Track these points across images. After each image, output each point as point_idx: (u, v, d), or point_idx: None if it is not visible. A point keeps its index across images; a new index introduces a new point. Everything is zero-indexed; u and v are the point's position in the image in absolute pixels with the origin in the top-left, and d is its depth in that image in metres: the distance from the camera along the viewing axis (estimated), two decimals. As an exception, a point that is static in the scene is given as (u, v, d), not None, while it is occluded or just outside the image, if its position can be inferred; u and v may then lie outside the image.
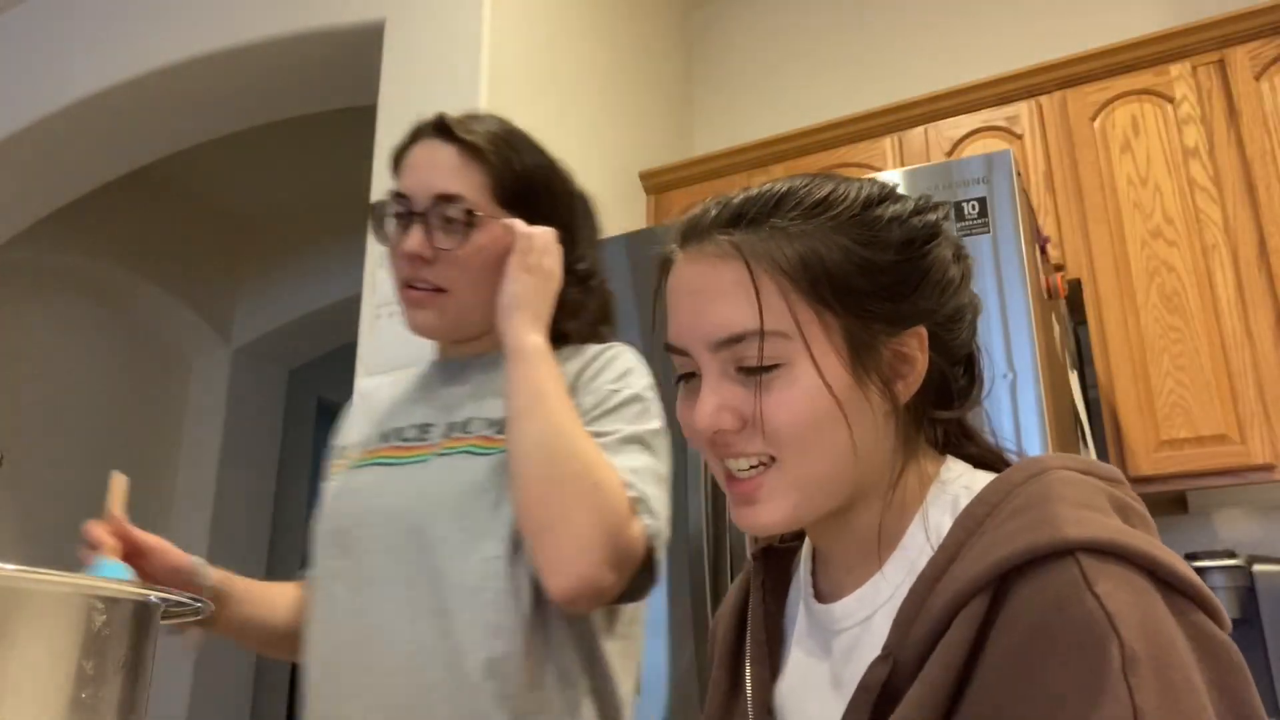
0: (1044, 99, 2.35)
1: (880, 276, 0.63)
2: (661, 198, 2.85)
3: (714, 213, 0.66)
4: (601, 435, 0.96)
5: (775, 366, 0.62)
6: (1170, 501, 2.21)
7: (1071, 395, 1.93)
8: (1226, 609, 2.12)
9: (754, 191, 0.66)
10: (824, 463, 0.62)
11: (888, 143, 2.50)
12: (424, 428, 1.04)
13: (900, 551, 0.65)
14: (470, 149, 1.03)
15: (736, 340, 0.62)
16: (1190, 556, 2.02)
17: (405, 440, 1.04)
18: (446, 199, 1.01)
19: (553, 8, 2.52)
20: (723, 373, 0.64)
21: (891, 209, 0.65)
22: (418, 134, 1.07)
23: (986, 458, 0.70)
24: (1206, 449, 1.98)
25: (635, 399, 1.02)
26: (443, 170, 1.02)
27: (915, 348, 0.64)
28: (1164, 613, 0.52)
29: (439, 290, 1.02)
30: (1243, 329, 2.02)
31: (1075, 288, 2.19)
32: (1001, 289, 1.61)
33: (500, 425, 0.98)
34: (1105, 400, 2.11)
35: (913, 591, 0.59)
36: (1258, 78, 2.15)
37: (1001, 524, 0.56)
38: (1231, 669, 0.52)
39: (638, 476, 0.96)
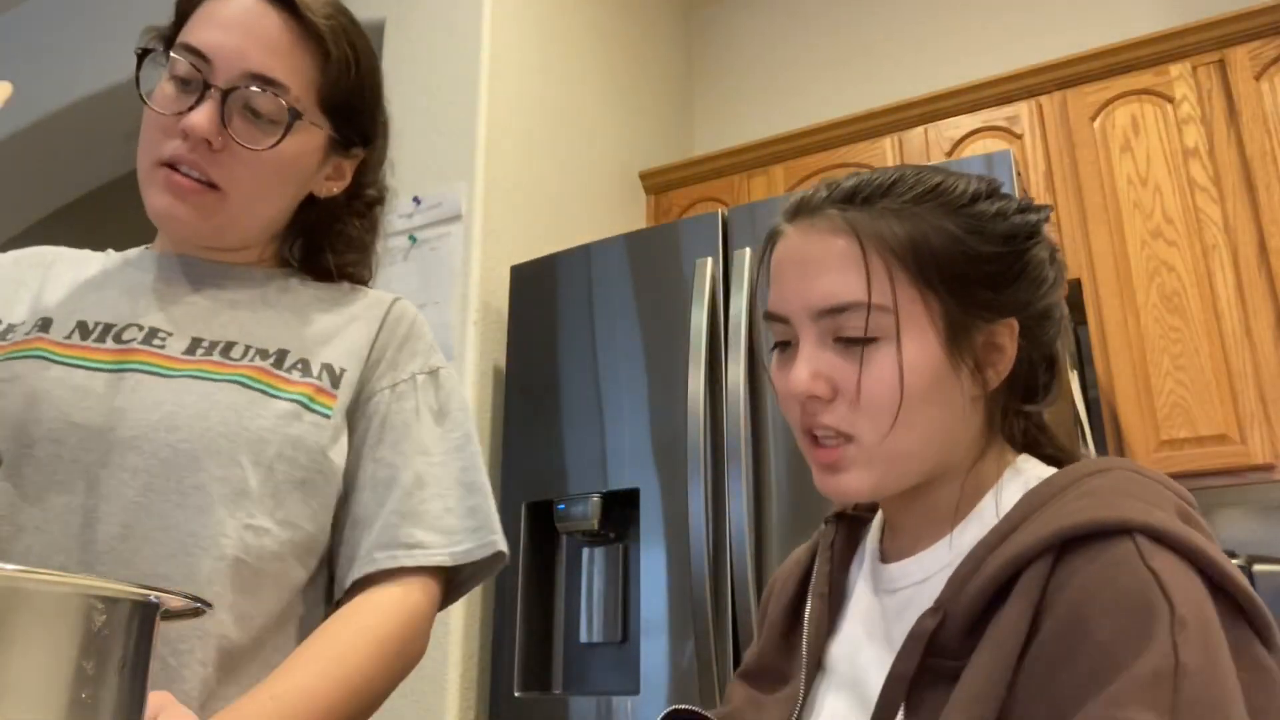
0: (1044, 99, 2.35)
1: (983, 265, 0.66)
2: (661, 198, 2.85)
3: (825, 192, 0.69)
4: (448, 460, 0.87)
5: (874, 340, 0.64)
6: (1170, 501, 2.21)
7: (1071, 395, 1.93)
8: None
9: (865, 175, 0.69)
10: (912, 439, 0.64)
11: (888, 143, 2.50)
12: (154, 334, 0.83)
13: (967, 524, 0.67)
14: (308, 29, 0.82)
15: (840, 310, 0.64)
16: (1190, 556, 2.01)
17: (123, 343, 0.81)
18: (263, 82, 0.80)
19: (552, 8, 2.52)
20: (820, 341, 0.66)
21: (997, 205, 0.68)
22: None
23: (1061, 458, 0.72)
24: (1206, 449, 1.98)
25: (451, 374, 0.92)
26: (266, 44, 0.80)
27: (1007, 338, 0.67)
28: (1211, 608, 0.53)
29: (211, 186, 0.81)
30: (1243, 329, 2.02)
31: (1075, 288, 2.19)
32: (1001, 289, 1.61)
33: (278, 357, 0.84)
34: (1105, 400, 2.11)
35: (970, 555, 0.61)
36: (1258, 78, 2.15)
37: (1065, 504, 0.59)
38: (1270, 686, 0.53)
39: (473, 517, 0.86)
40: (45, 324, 0.82)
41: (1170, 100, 2.21)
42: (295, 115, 0.82)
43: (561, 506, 1.86)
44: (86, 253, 0.93)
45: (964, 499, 0.68)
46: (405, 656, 0.80)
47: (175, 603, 0.44)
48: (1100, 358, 2.13)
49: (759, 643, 0.79)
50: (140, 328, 0.83)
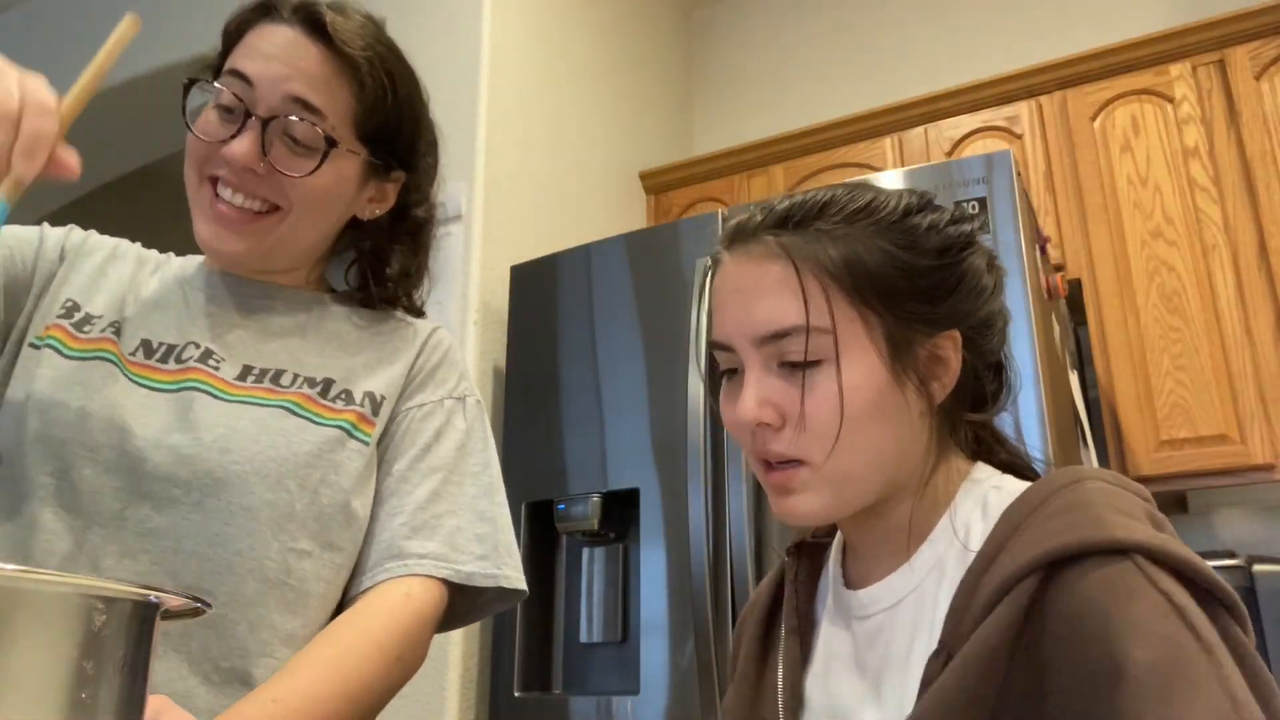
0: (1044, 99, 2.35)
1: (919, 279, 0.66)
2: (661, 198, 2.85)
3: (760, 217, 0.69)
4: (463, 481, 0.89)
5: (818, 363, 0.64)
6: (1170, 501, 2.21)
7: (1071, 395, 1.93)
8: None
9: (798, 198, 0.69)
10: (862, 459, 0.64)
11: (888, 143, 2.50)
12: (209, 355, 0.86)
13: (928, 545, 0.67)
14: (345, 61, 0.84)
15: (782, 335, 0.65)
16: (1190, 556, 2.01)
17: (181, 362, 0.85)
18: (301, 110, 0.83)
19: (553, 8, 2.52)
20: (765, 367, 0.66)
21: (929, 218, 0.68)
22: (272, 9, 0.86)
23: (1015, 463, 0.72)
24: (1206, 449, 1.98)
25: (479, 405, 0.95)
26: (305, 74, 0.83)
27: (950, 350, 0.67)
28: (1206, 618, 0.54)
29: (270, 210, 0.84)
30: (1243, 329, 2.02)
31: (1075, 288, 2.19)
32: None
33: (324, 386, 0.87)
34: (1105, 400, 2.11)
35: (962, 585, 0.61)
36: (1258, 78, 2.15)
37: (1047, 520, 0.58)
38: (1260, 676, 0.54)
39: (482, 544, 0.87)
40: (117, 330, 0.86)
41: (1170, 100, 2.21)
42: (331, 143, 0.84)
43: (561, 506, 1.86)
44: (153, 255, 0.96)
45: (920, 518, 0.67)
46: (405, 662, 0.80)
47: (175, 602, 0.44)
48: (1100, 358, 2.13)
49: (735, 688, 0.78)
50: (197, 345, 0.86)
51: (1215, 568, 2.00)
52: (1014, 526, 0.60)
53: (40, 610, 0.37)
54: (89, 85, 0.72)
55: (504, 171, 2.21)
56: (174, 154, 3.15)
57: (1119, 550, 0.55)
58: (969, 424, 0.71)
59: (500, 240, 2.16)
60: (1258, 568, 1.97)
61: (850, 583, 0.72)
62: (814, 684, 0.71)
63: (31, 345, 0.84)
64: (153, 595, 0.42)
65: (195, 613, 0.46)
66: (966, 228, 0.69)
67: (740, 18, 3.29)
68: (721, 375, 0.71)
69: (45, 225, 0.93)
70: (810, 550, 0.79)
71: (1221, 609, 0.55)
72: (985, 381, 0.71)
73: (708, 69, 3.31)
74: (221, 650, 0.77)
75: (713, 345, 0.70)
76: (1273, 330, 2.00)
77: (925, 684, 0.60)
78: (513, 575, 0.88)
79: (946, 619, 0.61)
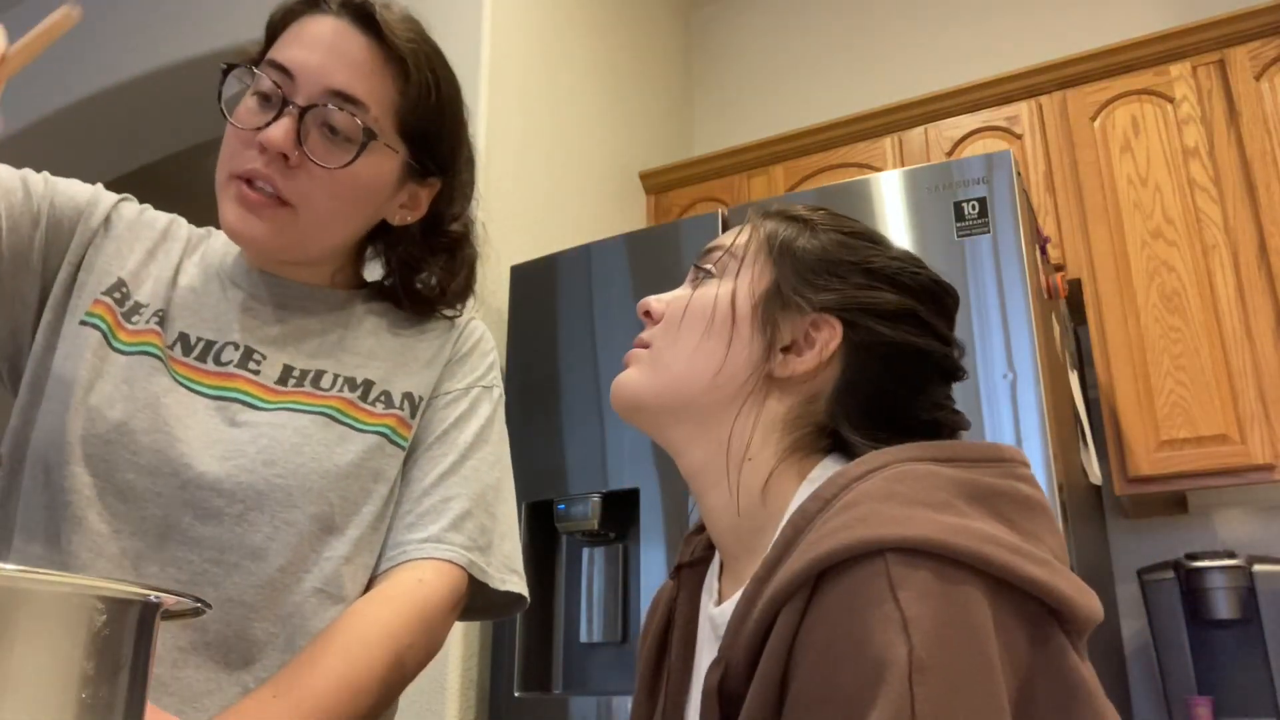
0: (1044, 99, 2.36)
1: (829, 265, 0.70)
2: (661, 198, 2.85)
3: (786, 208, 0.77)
4: (477, 468, 0.89)
5: (711, 276, 0.73)
6: (1170, 501, 2.21)
7: (1071, 395, 1.93)
8: (1226, 609, 2.10)
9: (849, 223, 0.75)
10: (680, 354, 0.70)
11: (888, 143, 2.50)
12: (249, 355, 0.84)
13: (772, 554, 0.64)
14: (391, 52, 0.82)
15: (712, 250, 0.75)
16: (1190, 556, 2.02)
17: (222, 365, 0.83)
18: (342, 100, 0.80)
19: (553, 8, 2.52)
20: (692, 279, 0.75)
21: (895, 265, 0.71)
22: (319, 0, 0.84)
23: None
24: (1206, 449, 1.98)
25: (503, 399, 0.96)
26: (348, 64, 0.80)
27: (826, 339, 0.66)
28: (978, 616, 0.51)
29: (284, 202, 0.80)
30: (1243, 329, 2.02)
31: (1075, 288, 2.19)
32: (1001, 289, 1.61)
33: (364, 389, 0.86)
34: (1105, 400, 2.11)
35: (744, 593, 0.59)
36: (1258, 78, 2.15)
37: (827, 521, 0.56)
38: (1063, 671, 0.52)
39: (484, 535, 0.87)
40: (161, 320, 0.84)
41: (1170, 100, 2.21)
42: (370, 135, 0.81)
43: (561, 506, 1.86)
44: (195, 234, 0.93)
45: (770, 524, 0.65)
46: (418, 649, 0.79)
47: (174, 602, 0.44)
48: (1100, 358, 2.13)
49: (633, 708, 0.76)
50: (236, 346, 0.84)
51: (1215, 568, 1.98)
52: (798, 529, 0.58)
53: (40, 610, 0.37)
54: (11, 64, 0.66)
55: (504, 171, 2.21)
56: (173, 154, 3.15)
57: (877, 551, 0.52)
58: (868, 439, 0.65)
59: (500, 240, 2.16)
60: (1258, 568, 1.97)
61: (722, 599, 0.70)
62: (692, 712, 0.69)
63: (81, 323, 0.81)
64: (153, 595, 0.42)
65: (196, 613, 0.46)
66: (925, 278, 0.71)
67: (740, 18, 3.29)
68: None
69: (99, 186, 0.90)
70: (693, 569, 0.76)
71: (1023, 597, 0.52)
72: (896, 395, 0.67)
73: (708, 69, 3.31)
74: (260, 662, 0.77)
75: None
76: (1273, 330, 2.00)
77: (705, 693, 0.58)
78: (496, 576, 0.86)
79: (727, 627, 0.59)
